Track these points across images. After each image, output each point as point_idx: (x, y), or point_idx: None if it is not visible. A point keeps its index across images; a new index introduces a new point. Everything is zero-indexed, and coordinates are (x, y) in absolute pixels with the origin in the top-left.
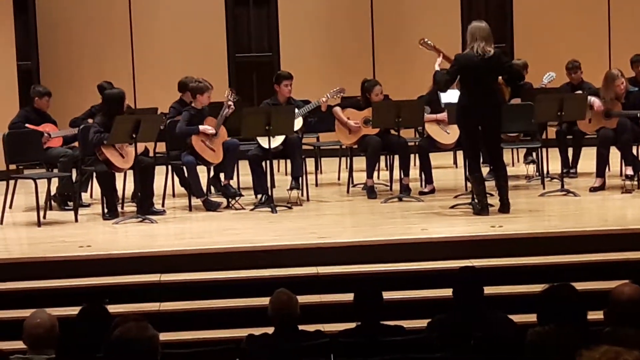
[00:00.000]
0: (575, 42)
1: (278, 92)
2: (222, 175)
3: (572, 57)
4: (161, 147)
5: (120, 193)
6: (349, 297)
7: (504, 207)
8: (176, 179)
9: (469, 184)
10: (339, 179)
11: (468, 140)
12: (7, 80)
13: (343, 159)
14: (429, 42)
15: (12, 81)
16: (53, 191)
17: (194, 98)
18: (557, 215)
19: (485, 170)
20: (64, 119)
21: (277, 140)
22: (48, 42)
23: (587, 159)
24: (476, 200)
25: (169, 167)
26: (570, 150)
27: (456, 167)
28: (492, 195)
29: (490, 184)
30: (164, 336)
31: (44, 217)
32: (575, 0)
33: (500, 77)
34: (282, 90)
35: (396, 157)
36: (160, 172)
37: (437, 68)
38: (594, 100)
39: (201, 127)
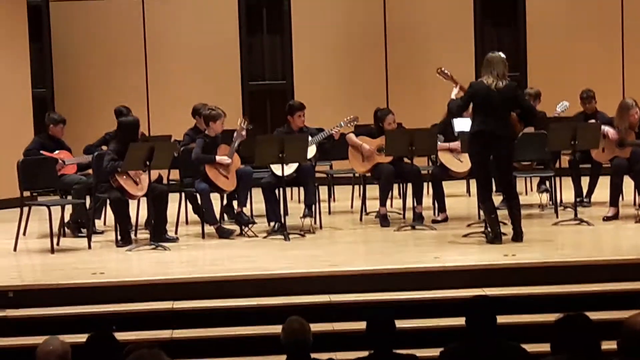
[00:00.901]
0: (589, 71)
1: (291, 122)
2: (235, 203)
3: (585, 87)
4: (175, 174)
5: (133, 220)
6: (361, 325)
7: (517, 236)
8: (189, 206)
9: (481, 213)
10: (351, 206)
11: (479, 168)
12: (22, 108)
13: (356, 186)
14: (447, 71)
15: (27, 108)
16: (67, 218)
17: (207, 125)
18: (571, 244)
19: (498, 198)
20: (79, 145)
21: (291, 168)
22: (63, 69)
23: (601, 188)
24: (489, 229)
25: (183, 194)
26: (585, 179)
27: (469, 195)
28: (505, 223)
29: (503, 213)
30: None
31: (58, 243)
32: (589, 29)
33: (513, 113)
34: (295, 121)
35: (409, 185)
36: (173, 199)
37: (453, 97)
38: (607, 129)
39: (217, 158)
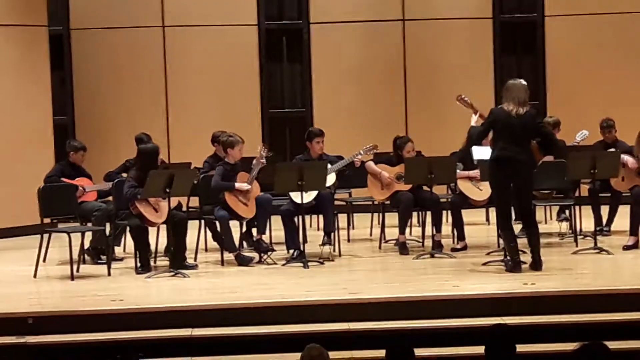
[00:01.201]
0: (609, 100)
1: (310, 149)
2: (254, 230)
3: (605, 115)
4: (194, 201)
5: (153, 247)
6: (380, 353)
7: (536, 265)
8: (209, 234)
9: (501, 241)
10: (371, 234)
11: (500, 195)
12: (44, 135)
13: (375, 214)
14: (467, 98)
15: (49, 136)
16: (87, 245)
17: (225, 152)
18: (590, 273)
19: (517, 227)
20: (99, 172)
21: (310, 196)
22: (83, 97)
23: (621, 217)
24: (508, 257)
25: (202, 221)
26: (604, 208)
27: (488, 223)
28: (524, 252)
29: (522, 241)
30: None
31: (77, 270)
32: (608, 58)
33: (533, 142)
34: (313, 147)
35: (428, 213)
36: (193, 226)
37: (473, 124)
38: (627, 158)
39: (237, 185)
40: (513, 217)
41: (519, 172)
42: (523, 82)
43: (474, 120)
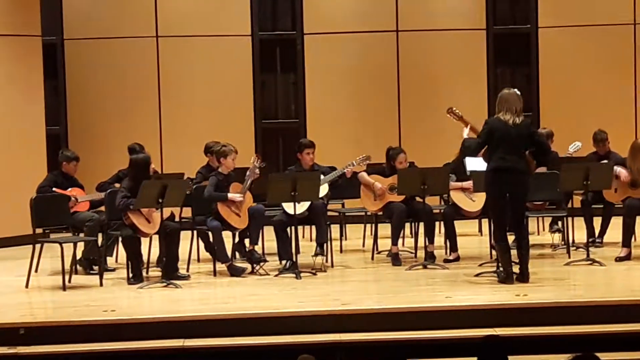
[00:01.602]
0: (602, 112)
1: (301, 160)
2: (247, 241)
3: (598, 127)
4: (187, 212)
5: (145, 257)
6: None
7: (523, 277)
8: (201, 244)
9: (494, 252)
10: (363, 245)
11: (495, 207)
12: (36, 145)
13: (368, 225)
14: (457, 111)
15: (41, 146)
16: (79, 255)
17: (218, 162)
18: (583, 284)
19: (511, 238)
20: (91, 183)
21: (303, 206)
22: (77, 107)
23: (613, 228)
24: (501, 269)
25: (194, 232)
26: (597, 219)
27: (481, 235)
28: (517, 263)
29: (514, 252)
30: None
31: (69, 281)
32: (602, 70)
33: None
34: (304, 158)
35: (421, 224)
36: (185, 237)
37: (465, 136)
38: (620, 170)
39: (229, 195)
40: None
41: (517, 181)
42: (517, 91)
43: (466, 132)
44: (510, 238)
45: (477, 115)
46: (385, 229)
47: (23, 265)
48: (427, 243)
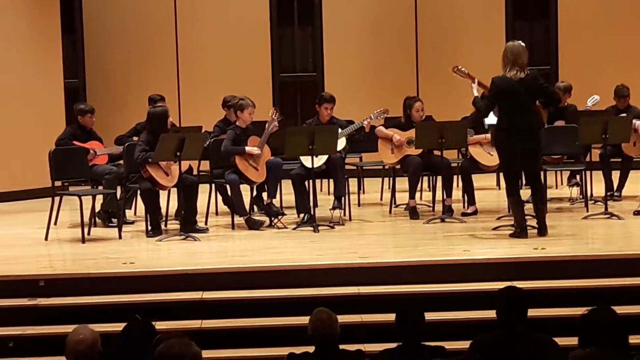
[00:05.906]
0: (621, 66)
1: (319, 113)
2: (264, 194)
3: (617, 81)
4: (205, 165)
5: (163, 211)
6: (390, 317)
7: (541, 231)
8: (219, 197)
9: None
10: (381, 199)
11: (507, 163)
12: (55, 98)
13: (386, 179)
14: (463, 69)
15: (59, 99)
16: (97, 208)
17: (236, 116)
18: (600, 238)
19: (527, 192)
20: (110, 136)
21: (320, 160)
22: (95, 60)
23: (632, 182)
24: (515, 223)
25: (213, 185)
26: (615, 173)
27: (499, 188)
28: (533, 217)
29: (530, 206)
30: (205, 354)
31: (88, 233)
32: (621, 23)
33: (538, 102)
34: (322, 112)
35: (439, 178)
36: (203, 190)
37: (475, 93)
38: (639, 123)
39: (247, 149)
40: (523, 182)
41: (526, 138)
42: (522, 43)
43: (475, 88)
44: (527, 192)
45: (494, 69)
46: (402, 183)
47: (42, 217)
48: (444, 197)
